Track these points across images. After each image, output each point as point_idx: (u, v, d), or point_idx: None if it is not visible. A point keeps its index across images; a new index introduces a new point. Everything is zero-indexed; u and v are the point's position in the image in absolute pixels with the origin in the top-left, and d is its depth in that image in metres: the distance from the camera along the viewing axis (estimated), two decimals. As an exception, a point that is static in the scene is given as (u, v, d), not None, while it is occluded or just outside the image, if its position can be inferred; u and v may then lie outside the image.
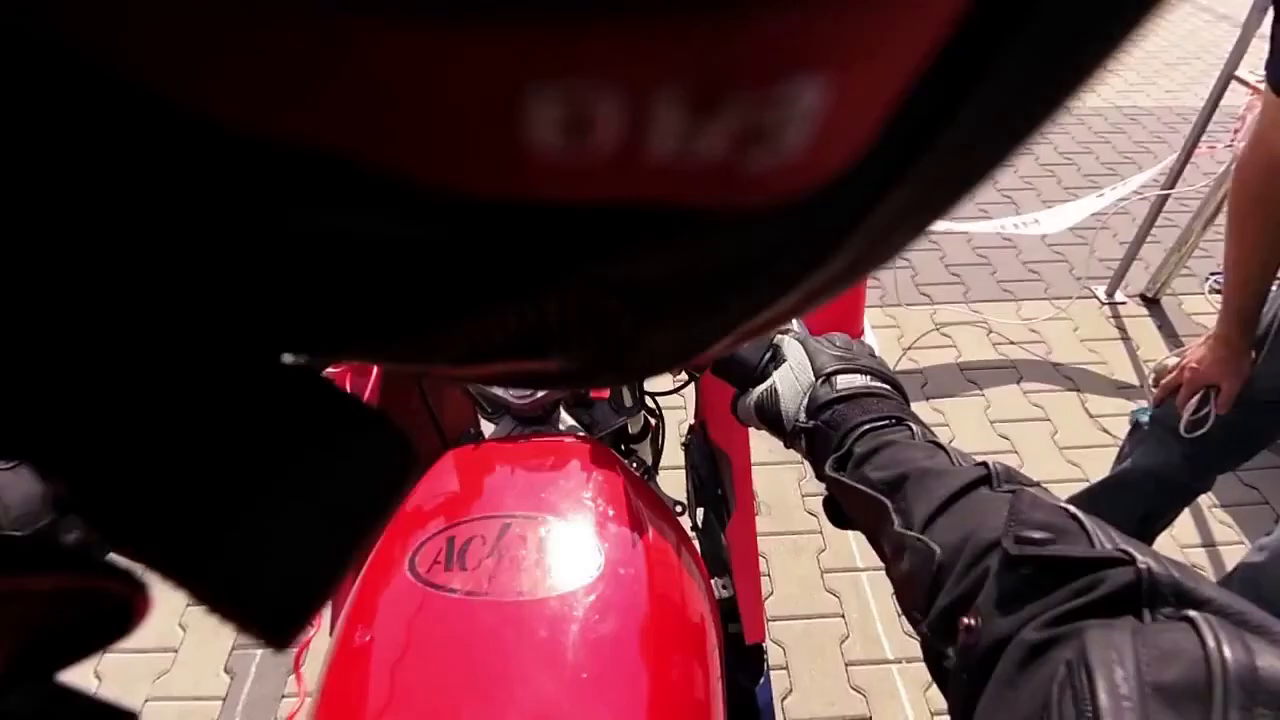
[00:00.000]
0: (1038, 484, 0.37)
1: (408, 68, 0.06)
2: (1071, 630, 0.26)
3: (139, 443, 0.10)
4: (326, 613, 0.71)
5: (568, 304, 0.09)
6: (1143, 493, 1.27)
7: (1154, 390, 1.19)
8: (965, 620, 0.31)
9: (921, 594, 0.36)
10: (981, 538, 0.33)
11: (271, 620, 0.12)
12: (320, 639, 0.94)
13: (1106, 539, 0.29)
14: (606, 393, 0.82)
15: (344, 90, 0.06)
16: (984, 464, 0.39)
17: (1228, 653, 0.22)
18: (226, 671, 1.41)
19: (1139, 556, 0.27)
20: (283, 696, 1.37)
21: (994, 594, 0.30)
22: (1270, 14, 0.87)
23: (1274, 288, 1.02)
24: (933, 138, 0.08)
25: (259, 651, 1.44)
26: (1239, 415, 1.07)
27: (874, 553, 0.43)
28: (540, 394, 0.66)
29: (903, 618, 1.38)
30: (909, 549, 0.37)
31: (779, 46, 0.06)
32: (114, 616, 0.15)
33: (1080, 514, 0.31)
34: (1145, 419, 1.25)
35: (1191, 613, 0.24)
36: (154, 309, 0.09)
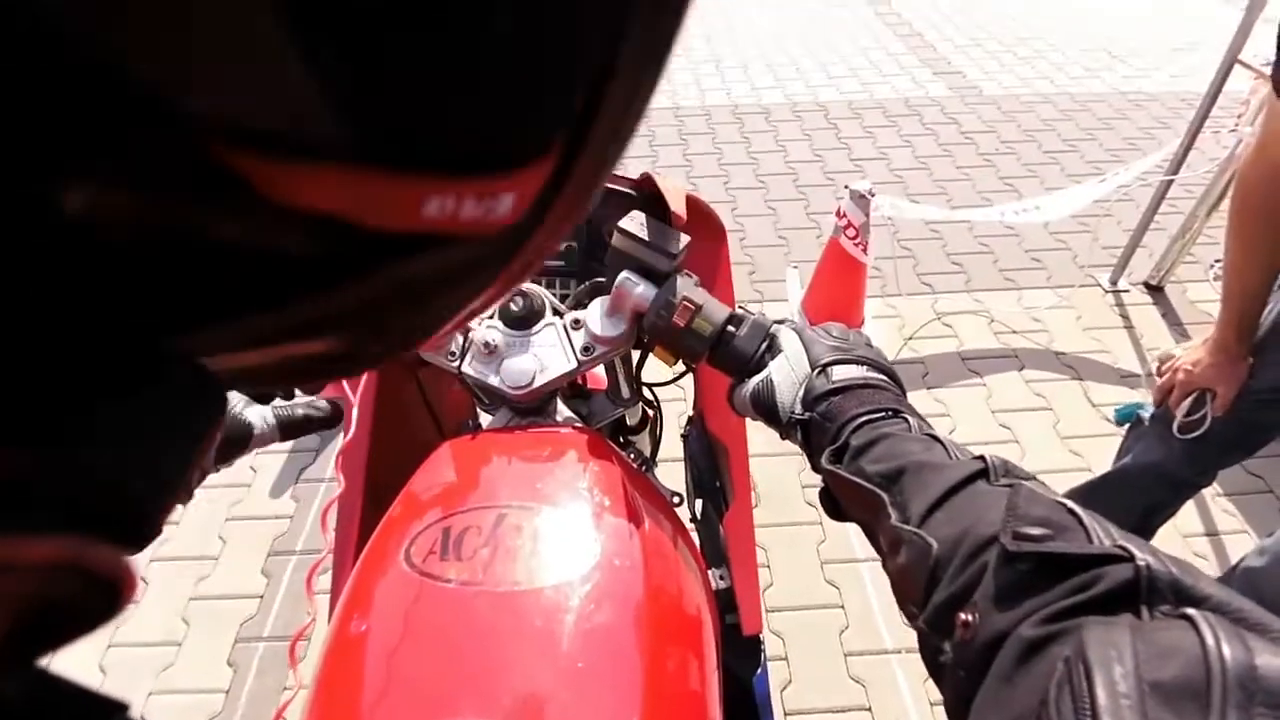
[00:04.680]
0: (1036, 477, 0.37)
1: None
2: (1070, 627, 0.26)
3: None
4: (324, 603, 0.71)
5: (362, 293, 0.14)
6: (1144, 487, 1.26)
7: (1159, 379, 1.18)
8: (962, 616, 0.31)
9: (918, 588, 0.35)
10: (979, 532, 0.33)
11: (133, 524, 0.15)
12: (317, 629, 0.94)
13: (1105, 535, 0.29)
14: (604, 384, 0.82)
15: None
16: (981, 458, 0.38)
17: (1226, 651, 0.22)
18: (229, 665, 1.42)
19: (1138, 553, 0.27)
20: (285, 689, 1.37)
21: (991, 590, 0.30)
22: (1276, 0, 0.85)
23: (1274, 288, 1.01)
24: (557, 194, 0.15)
25: (261, 645, 1.45)
26: (1238, 414, 1.06)
27: (871, 545, 0.43)
28: (536, 384, 0.66)
29: (903, 607, 1.38)
30: (905, 543, 0.37)
31: (500, 186, 0.13)
32: (102, 595, 0.15)
33: (1079, 509, 0.31)
34: (1146, 414, 1.24)
35: (1190, 610, 0.24)
36: None
